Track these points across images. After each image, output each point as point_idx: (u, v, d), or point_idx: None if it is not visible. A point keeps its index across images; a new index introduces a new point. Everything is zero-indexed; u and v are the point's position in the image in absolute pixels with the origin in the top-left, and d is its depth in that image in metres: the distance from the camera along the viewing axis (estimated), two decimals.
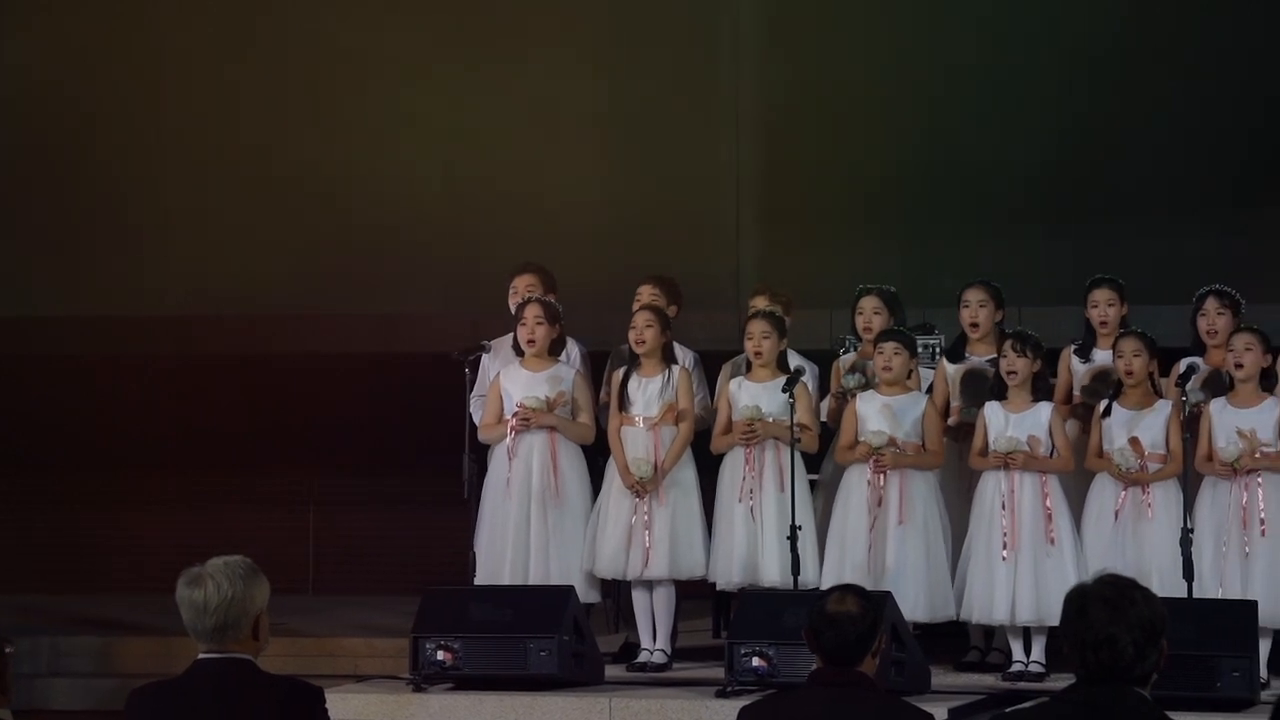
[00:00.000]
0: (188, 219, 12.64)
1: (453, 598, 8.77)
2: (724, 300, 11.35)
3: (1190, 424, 8.62)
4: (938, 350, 9.64)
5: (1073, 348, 9.24)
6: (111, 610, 11.47)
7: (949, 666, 8.94)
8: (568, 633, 8.48)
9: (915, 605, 8.69)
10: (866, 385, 9.12)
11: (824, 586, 8.08)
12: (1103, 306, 9.13)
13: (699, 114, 12.46)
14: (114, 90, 12.65)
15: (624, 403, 9.13)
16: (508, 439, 9.18)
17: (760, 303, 9.48)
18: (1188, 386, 8.71)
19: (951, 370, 9.28)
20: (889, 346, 8.95)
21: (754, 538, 8.92)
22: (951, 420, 9.18)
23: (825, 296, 10.45)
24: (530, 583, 9.03)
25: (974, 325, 9.24)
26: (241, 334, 12.66)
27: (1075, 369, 9.18)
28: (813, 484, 9.23)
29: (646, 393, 9.12)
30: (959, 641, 9.16)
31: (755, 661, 8.19)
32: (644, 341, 9.13)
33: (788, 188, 12.31)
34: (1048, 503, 8.66)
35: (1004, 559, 8.63)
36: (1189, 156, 11.85)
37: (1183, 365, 8.91)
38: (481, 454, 9.41)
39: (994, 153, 11.90)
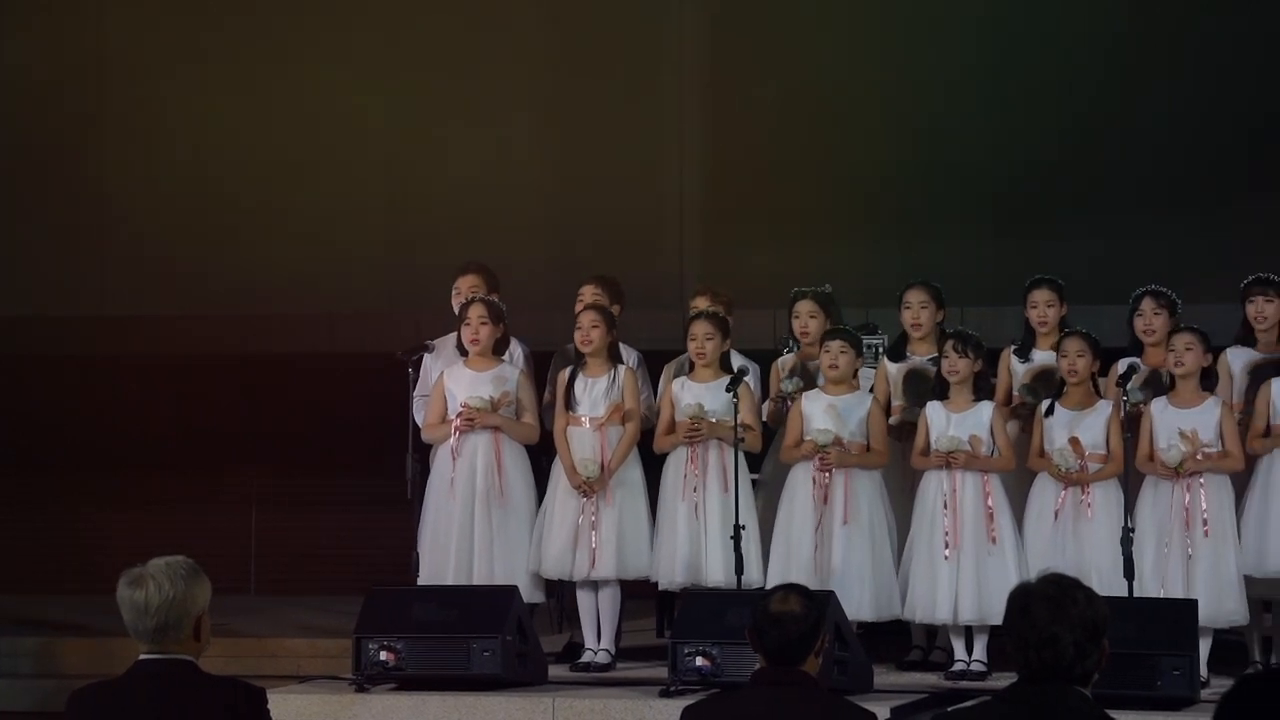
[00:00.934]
0: (131, 218, 12.58)
1: (396, 598, 8.74)
2: (667, 300, 11.37)
3: (1131, 424, 8.67)
4: (880, 350, 9.67)
5: (1012, 348, 9.28)
6: (52, 611, 11.40)
7: (891, 666, 8.97)
8: (511, 633, 8.47)
9: (861, 605, 8.71)
10: (805, 388, 9.14)
11: (770, 585, 8.08)
12: (1042, 307, 9.18)
13: (642, 114, 12.47)
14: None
15: (570, 403, 9.13)
16: (451, 439, 9.16)
17: (701, 303, 9.49)
18: (1128, 386, 8.76)
19: (893, 370, 9.31)
20: (835, 345, 8.97)
21: (697, 537, 8.93)
22: (893, 420, 9.22)
23: (768, 296, 10.47)
24: (474, 583, 9.02)
25: (915, 325, 9.28)
26: (181, 335, 12.60)
27: (1015, 369, 9.23)
28: (754, 483, 9.24)
29: (592, 393, 9.12)
30: (902, 641, 9.19)
31: (699, 661, 8.20)
32: (590, 341, 9.13)
33: (730, 188, 12.33)
34: (989, 502, 8.70)
35: (946, 558, 8.66)
36: (1127, 160, 11.93)
37: (1122, 365, 8.96)
38: (425, 454, 9.40)
39: (936, 155, 11.96)
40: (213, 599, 4.76)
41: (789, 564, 8.77)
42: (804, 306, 9.38)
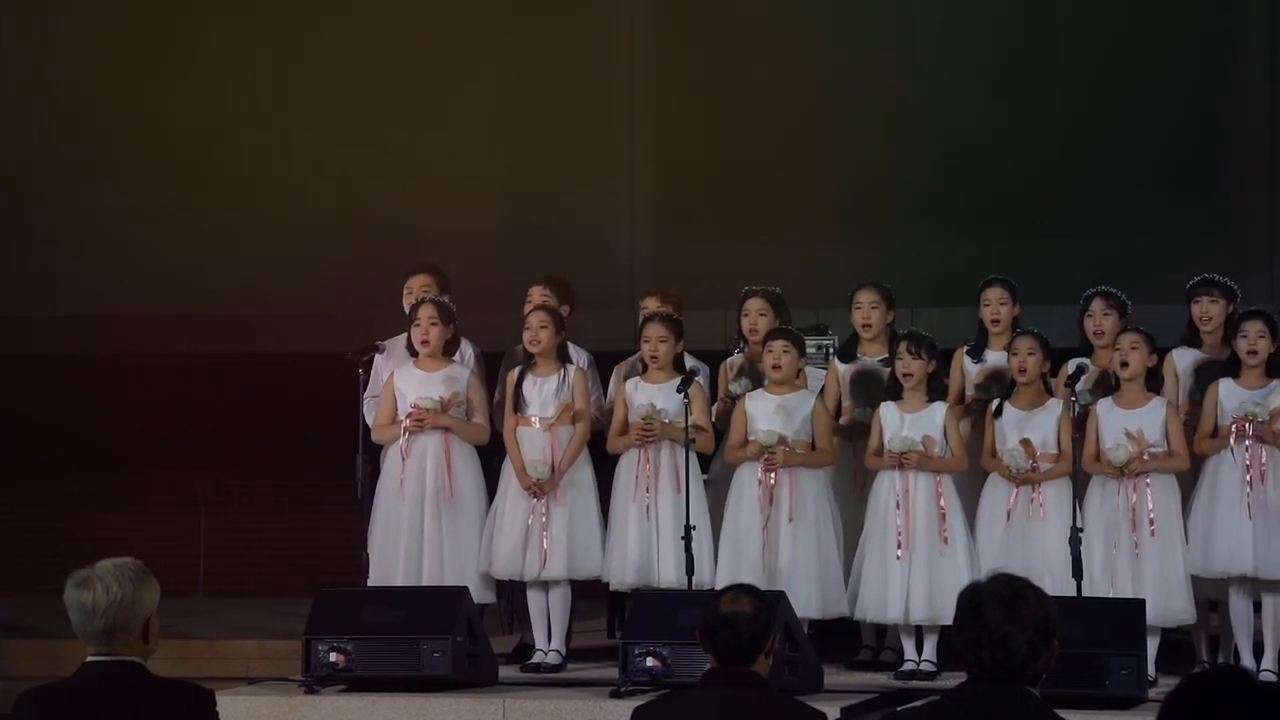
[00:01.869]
0: (83, 217, 12.52)
1: (346, 599, 8.71)
2: (619, 300, 11.37)
3: (1080, 423, 8.70)
4: (831, 350, 9.69)
5: (965, 348, 9.31)
6: None
7: (841, 666, 8.99)
8: (461, 634, 8.45)
9: (808, 602, 8.72)
10: (754, 387, 9.16)
11: (719, 586, 8.09)
12: (995, 305, 9.21)
13: (592, 115, 12.47)
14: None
15: (519, 403, 9.12)
16: (401, 439, 9.13)
17: (651, 304, 9.50)
18: (1077, 386, 8.80)
19: (843, 370, 9.33)
20: (778, 345, 8.98)
21: (648, 538, 8.93)
22: (844, 420, 9.24)
23: (719, 296, 10.48)
24: (424, 584, 9.00)
25: (866, 326, 9.30)
26: (130, 334, 12.54)
27: (968, 369, 9.25)
28: (704, 484, 9.24)
29: (542, 393, 9.11)
30: (852, 641, 9.21)
31: (649, 662, 8.20)
32: (539, 342, 9.12)
33: (682, 188, 12.34)
34: (942, 502, 8.72)
35: (898, 558, 8.68)
36: (1079, 161, 11.99)
37: (1072, 365, 9.00)
38: (375, 454, 9.37)
39: (887, 156, 11.99)
40: (161, 601, 4.74)
41: (737, 564, 8.78)
42: (753, 304, 9.39)
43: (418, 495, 9.09)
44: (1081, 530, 8.43)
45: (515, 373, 9.19)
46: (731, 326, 9.86)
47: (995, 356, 9.16)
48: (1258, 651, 8.61)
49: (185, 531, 12.94)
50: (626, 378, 9.30)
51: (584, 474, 9.11)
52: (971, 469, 8.90)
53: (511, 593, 9.70)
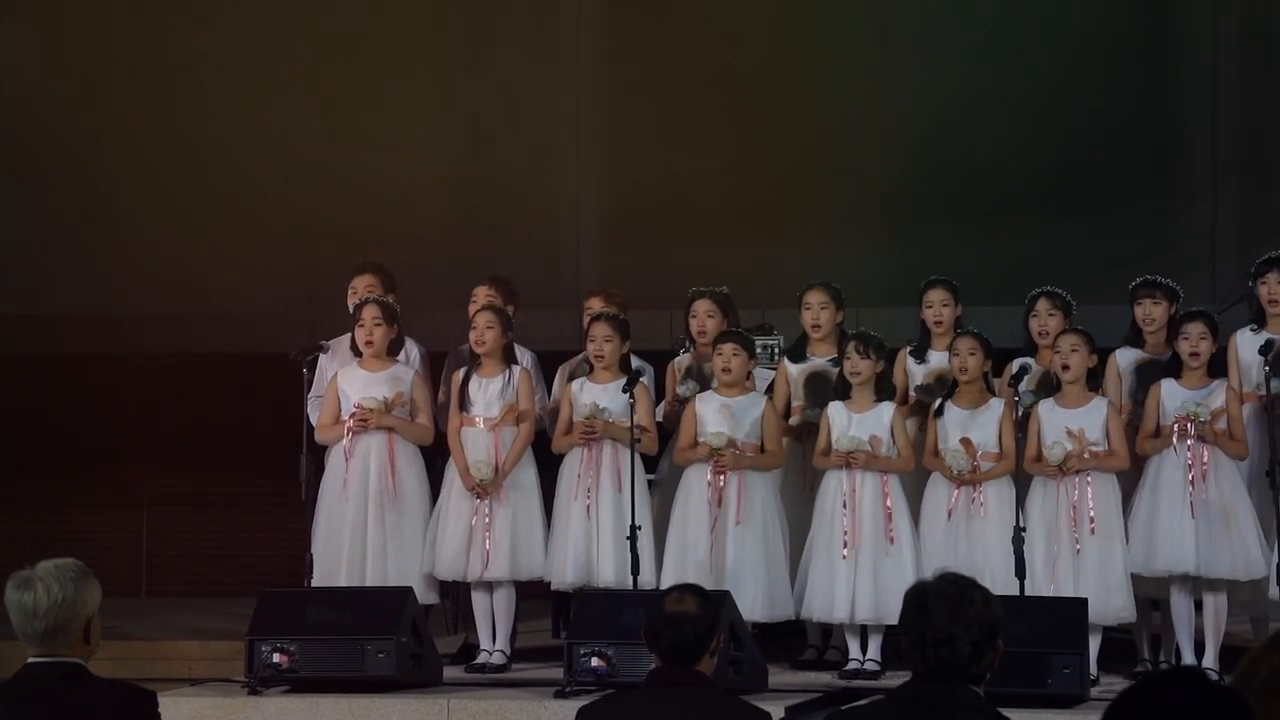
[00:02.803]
0: (17, 215, 12.44)
1: (289, 599, 8.68)
2: (564, 300, 11.36)
3: (1023, 423, 8.74)
4: (777, 351, 9.71)
5: (908, 349, 9.34)
6: None
7: (786, 665, 9.00)
8: (406, 634, 8.43)
9: (754, 605, 8.73)
10: (701, 389, 9.16)
11: (665, 586, 8.09)
12: (937, 306, 9.24)
13: (538, 115, 12.46)
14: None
15: (464, 403, 9.10)
16: (345, 440, 9.11)
17: (596, 304, 9.49)
18: (1021, 386, 8.84)
19: (794, 371, 9.34)
20: (728, 347, 8.99)
21: (590, 538, 8.93)
22: (793, 420, 9.25)
23: (665, 297, 10.48)
24: (368, 584, 8.97)
25: (815, 327, 9.31)
26: (73, 333, 12.47)
27: (911, 370, 9.28)
28: (650, 484, 9.25)
29: (487, 393, 9.10)
30: (797, 640, 9.23)
31: (594, 662, 8.20)
32: (484, 342, 9.10)
33: (628, 188, 12.34)
34: (888, 502, 8.75)
35: (844, 558, 8.70)
36: (1022, 162, 12.05)
37: (1015, 365, 9.03)
38: (319, 455, 9.33)
39: (832, 157, 12.02)
40: (103, 601, 4.71)
41: (684, 564, 8.79)
42: (701, 306, 9.39)
43: (361, 496, 9.07)
44: (1023, 529, 8.47)
45: (461, 373, 9.17)
46: (677, 327, 9.86)
47: (938, 357, 9.18)
48: (1199, 650, 8.66)
49: (127, 532, 12.86)
50: (572, 377, 9.29)
51: (528, 475, 9.10)
52: (917, 469, 8.92)
53: (456, 593, 9.68)
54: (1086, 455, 8.61)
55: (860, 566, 8.70)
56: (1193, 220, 12.14)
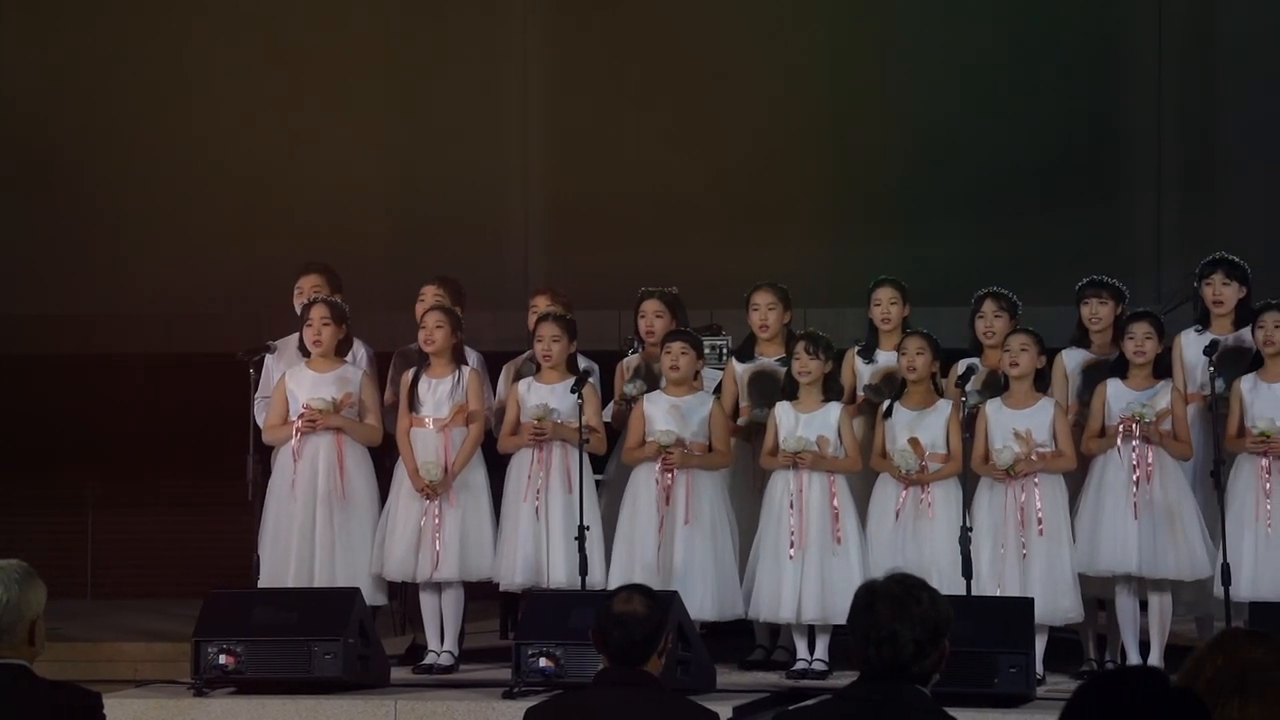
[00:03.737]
0: None
1: (236, 600, 8.65)
2: (512, 300, 11.35)
3: (970, 423, 8.77)
4: (725, 351, 9.72)
5: (856, 349, 9.36)
6: None
7: (734, 665, 9.01)
8: (353, 635, 8.41)
9: (703, 605, 8.74)
10: (649, 389, 9.17)
11: (613, 586, 8.09)
12: (885, 305, 9.27)
13: (485, 114, 12.45)
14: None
15: (413, 404, 9.08)
16: (293, 440, 9.08)
17: (541, 304, 9.49)
18: (967, 387, 8.87)
19: (741, 370, 9.36)
20: (676, 347, 9.00)
21: (539, 538, 8.92)
22: (741, 420, 9.26)
23: (613, 297, 10.48)
24: (315, 585, 8.94)
25: (764, 327, 9.32)
26: (17, 334, 12.39)
27: (859, 370, 9.30)
28: (598, 484, 9.25)
29: (436, 394, 9.08)
30: (745, 640, 9.24)
31: (542, 662, 8.19)
32: (433, 342, 9.09)
33: (575, 188, 12.34)
34: (835, 502, 8.76)
35: (791, 558, 8.72)
36: (969, 163, 12.10)
37: (962, 366, 9.07)
38: (266, 456, 9.30)
39: (779, 156, 12.05)
40: (48, 603, 4.69)
41: (632, 565, 8.79)
42: (650, 306, 9.40)
43: (309, 496, 9.04)
44: (970, 530, 8.50)
45: (410, 373, 9.15)
46: (625, 327, 9.86)
47: (886, 357, 9.20)
48: (1144, 650, 8.71)
49: (72, 533, 12.79)
50: (518, 377, 9.28)
51: (477, 476, 9.09)
52: (864, 469, 8.94)
53: (404, 594, 9.66)
54: (1034, 458, 8.65)
55: (807, 566, 8.71)
56: (1138, 222, 12.22)
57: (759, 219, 12.02)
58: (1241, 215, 11.95)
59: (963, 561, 8.42)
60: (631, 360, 9.51)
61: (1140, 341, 8.72)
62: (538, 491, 8.93)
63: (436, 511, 8.95)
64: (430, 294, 9.51)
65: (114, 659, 10.10)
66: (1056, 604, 8.57)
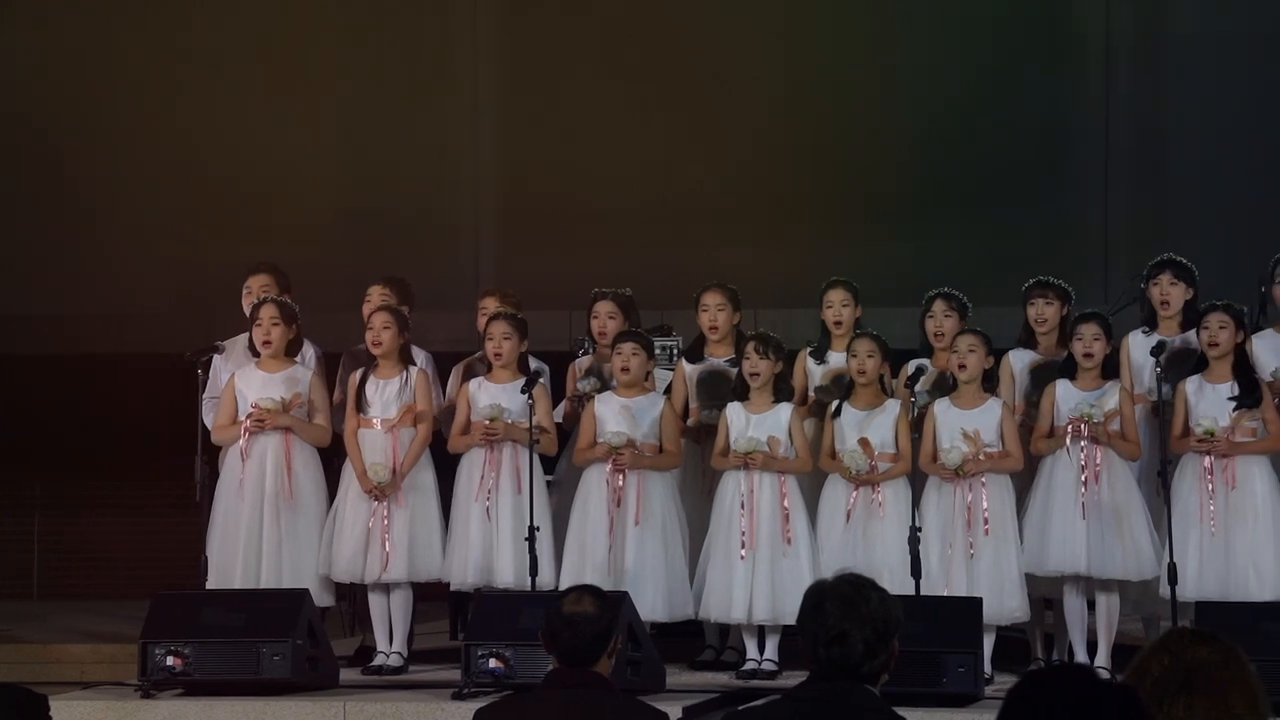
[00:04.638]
0: None
1: (183, 602, 8.61)
2: (462, 301, 11.33)
3: (918, 423, 8.79)
4: (675, 352, 9.72)
5: (808, 350, 9.38)
6: None
7: (684, 665, 9.02)
8: (301, 636, 8.38)
9: (654, 606, 8.74)
10: (601, 389, 9.17)
11: (564, 587, 8.09)
12: (837, 307, 9.28)
13: (436, 115, 12.42)
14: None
15: (361, 405, 9.05)
16: (241, 440, 9.04)
17: (491, 304, 9.48)
18: (916, 387, 8.89)
19: (690, 371, 9.36)
20: (627, 347, 9.00)
21: (489, 538, 8.91)
22: (691, 421, 9.27)
23: (564, 297, 10.48)
24: (262, 585, 8.91)
25: (713, 328, 9.33)
26: None
27: (811, 371, 9.32)
28: (548, 484, 9.24)
29: (384, 394, 9.05)
30: (695, 640, 9.24)
31: (492, 663, 8.18)
32: (381, 343, 9.06)
33: (526, 188, 12.33)
34: (785, 503, 8.77)
35: (742, 558, 8.72)
36: (918, 165, 12.13)
37: (911, 366, 9.09)
38: (213, 456, 9.27)
39: (731, 158, 12.06)
40: None
41: (583, 565, 8.78)
42: (603, 307, 9.40)
43: (257, 496, 9.01)
44: (919, 530, 8.52)
45: (358, 374, 9.13)
46: (576, 328, 9.86)
47: (838, 358, 9.22)
48: (1091, 649, 8.75)
49: (18, 534, 12.71)
50: (468, 377, 9.27)
51: (425, 476, 9.07)
52: (815, 470, 8.96)
53: (353, 595, 9.63)
54: (982, 457, 8.68)
55: (758, 567, 8.72)
56: (1085, 222, 12.27)
57: (710, 220, 12.03)
58: (1190, 217, 12.02)
59: (912, 561, 8.44)
60: (583, 361, 9.50)
61: (1089, 343, 8.76)
62: (488, 492, 8.92)
63: (385, 512, 8.92)
64: (377, 294, 9.48)
65: (61, 660, 10.05)
66: (1003, 604, 8.60)
